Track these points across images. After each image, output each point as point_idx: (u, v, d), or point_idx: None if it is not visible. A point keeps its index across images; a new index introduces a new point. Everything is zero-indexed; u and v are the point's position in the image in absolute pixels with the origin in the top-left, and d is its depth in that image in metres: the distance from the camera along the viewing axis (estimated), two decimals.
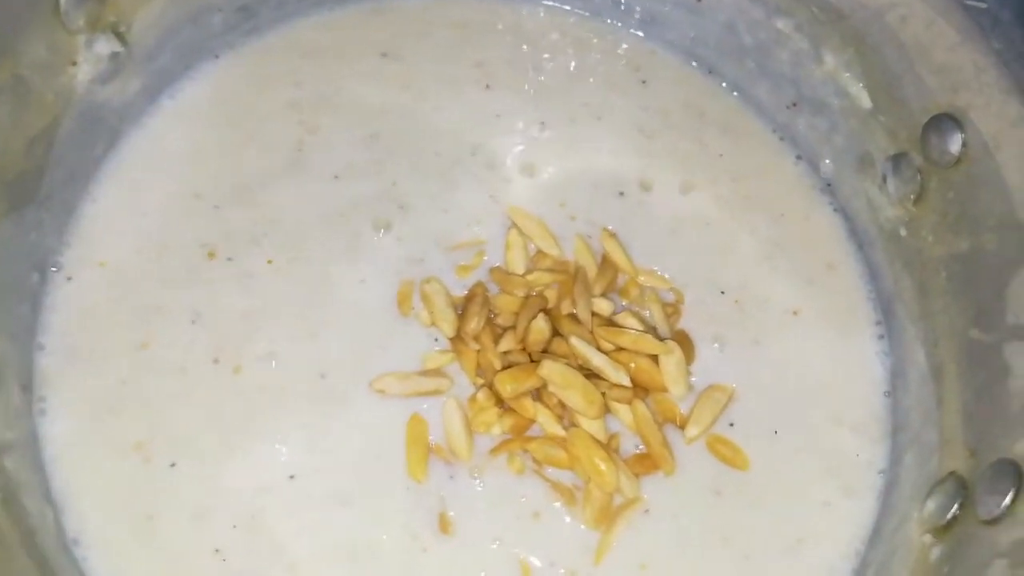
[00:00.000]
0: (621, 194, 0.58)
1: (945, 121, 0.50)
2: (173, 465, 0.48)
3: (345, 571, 0.47)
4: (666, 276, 0.56)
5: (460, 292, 0.54)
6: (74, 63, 0.50)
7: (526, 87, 0.60)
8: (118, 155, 0.55)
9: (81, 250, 0.52)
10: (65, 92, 0.50)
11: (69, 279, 0.51)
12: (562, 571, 0.48)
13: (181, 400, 0.49)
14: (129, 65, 0.53)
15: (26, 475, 0.44)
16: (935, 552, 0.46)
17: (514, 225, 0.55)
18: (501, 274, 0.54)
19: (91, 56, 0.51)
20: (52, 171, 0.50)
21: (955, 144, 0.49)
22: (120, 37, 0.52)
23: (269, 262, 0.53)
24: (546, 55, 0.62)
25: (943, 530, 0.46)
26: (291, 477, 0.48)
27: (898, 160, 0.54)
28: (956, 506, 0.45)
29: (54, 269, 0.51)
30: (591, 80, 0.62)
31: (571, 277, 0.54)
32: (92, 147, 0.53)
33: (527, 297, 0.53)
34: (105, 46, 0.51)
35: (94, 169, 0.54)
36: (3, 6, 0.44)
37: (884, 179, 0.55)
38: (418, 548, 0.47)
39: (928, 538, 0.46)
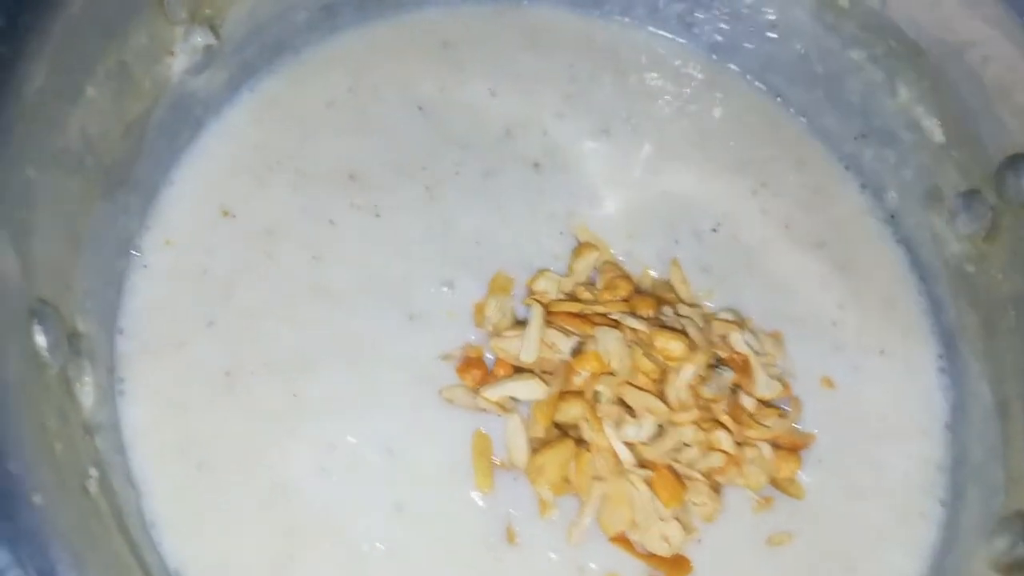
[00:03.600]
0: (683, 219, 0.58)
1: (1023, 161, 0.50)
2: (224, 465, 0.48)
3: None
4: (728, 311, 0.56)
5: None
6: (172, 53, 0.51)
7: (588, 103, 0.61)
8: (198, 144, 0.55)
9: (157, 235, 0.53)
10: (161, 81, 0.51)
11: (145, 266, 0.52)
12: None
13: (231, 400, 0.49)
14: (219, 58, 0.54)
15: (113, 456, 0.45)
16: None
17: (582, 243, 0.56)
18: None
19: (187, 47, 0.51)
20: (143, 157, 0.51)
21: None
22: (215, 30, 0.53)
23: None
24: (615, 70, 0.62)
25: (1011, 568, 0.46)
26: (355, 474, 0.49)
27: (969, 196, 0.55)
28: None
29: (135, 253, 0.52)
30: (662, 104, 0.62)
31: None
32: (178, 135, 0.54)
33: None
34: (201, 38, 0.52)
35: (176, 156, 0.54)
36: None
37: (952, 214, 0.56)
38: (493, 558, 0.48)
39: (994, 575, 0.47)
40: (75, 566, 0.34)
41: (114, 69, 0.46)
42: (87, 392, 0.43)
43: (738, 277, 0.57)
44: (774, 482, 0.52)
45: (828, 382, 0.55)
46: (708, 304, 0.56)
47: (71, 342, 0.43)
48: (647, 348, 0.51)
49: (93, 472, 0.41)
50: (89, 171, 0.46)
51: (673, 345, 0.50)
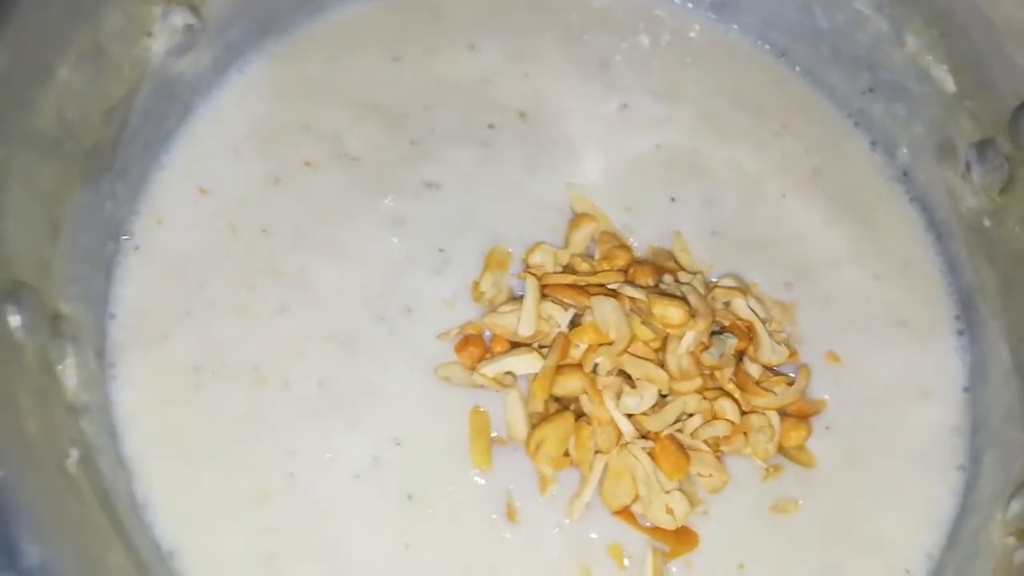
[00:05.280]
0: (686, 181, 0.57)
1: None
2: (226, 449, 0.47)
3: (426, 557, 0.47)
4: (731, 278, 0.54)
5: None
6: (150, 34, 0.50)
7: (592, 66, 0.59)
8: (188, 128, 0.55)
9: (147, 220, 0.52)
10: (141, 63, 0.50)
11: (137, 248, 0.51)
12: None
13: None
14: (203, 39, 0.53)
15: (100, 439, 0.44)
16: (1020, 555, 0.44)
17: (578, 214, 0.54)
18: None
19: (166, 28, 0.51)
20: (127, 142, 0.50)
21: None
22: (194, 10, 0.52)
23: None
24: (616, 35, 0.61)
25: None
26: (357, 471, 0.48)
27: (983, 146, 0.52)
28: None
29: (125, 237, 0.51)
30: (658, 66, 0.60)
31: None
32: (165, 120, 0.53)
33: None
34: (180, 18, 0.51)
35: (165, 140, 0.54)
36: None
37: (967, 167, 0.53)
38: (495, 536, 0.47)
39: (1012, 540, 0.45)
40: (38, 539, 0.33)
41: (88, 50, 0.46)
42: (69, 374, 0.43)
43: (749, 244, 0.55)
44: (783, 451, 0.50)
45: (834, 356, 0.53)
46: (712, 273, 0.54)
47: (53, 324, 0.43)
48: (646, 316, 0.49)
49: (74, 452, 0.41)
50: (68, 155, 0.46)
51: (672, 312, 0.49)
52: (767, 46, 0.61)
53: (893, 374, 0.53)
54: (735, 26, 0.61)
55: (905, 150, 0.58)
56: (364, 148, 0.55)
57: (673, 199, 0.56)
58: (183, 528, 0.46)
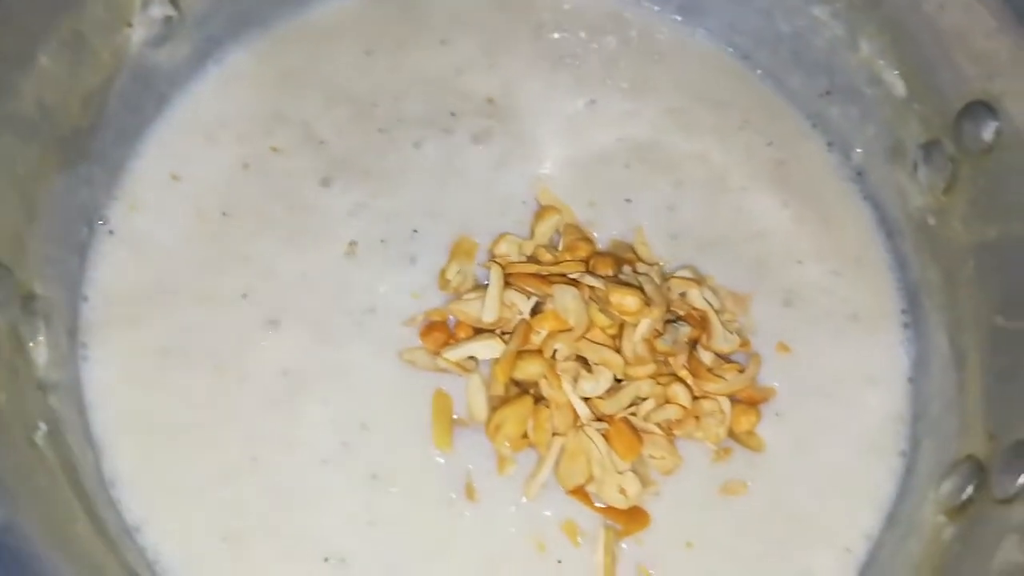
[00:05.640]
0: (651, 175, 0.58)
1: (979, 108, 0.50)
2: (192, 432, 0.49)
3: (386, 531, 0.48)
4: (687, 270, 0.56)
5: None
6: (129, 24, 0.51)
7: (562, 63, 0.61)
8: (164, 117, 0.56)
9: (123, 206, 0.53)
10: (120, 53, 0.51)
11: (111, 233, 0.53)
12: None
13: (198, 372, 0.49)
14: (181, 30, 0.55)
15: (70, 415, 0.46)
16: (948, 532, 0.46)
17: (543, 207, 0.56)
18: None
19: (145, 18, 0.52)
20: (104, 129, 0.52)
21: (988, 131, 0.50)
22: (174, 2, 0.54)
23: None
24: (586, 34, 0.62)
25: (957, 511, 0.46)
26: (324, 456, 0.49)
27: (930, 148, 0.54)
28: (971, 488, 0.46)
29: (101, 223, 0.53)
30: (625, 64, 0.62)
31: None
32: (142, 109, 0.55)
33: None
34: (159, 9, 0.53)
35: (142, 129, 0.55)
36: None
37: (915, 167, 0.55)
38: (454, 514, 0.49)
39: (942, 519, 0.47)
40: (6, 505, 0.35)
41: (69, 38, 0.47)
42: (40, 352, 0.44)
43: (710, 236, 0.57)
44: (733, 435, 0.52)
45: (784, 347, 0.55)
46: (670, 265, 0.56)
47: (26, 303, 0.44)
48: (603, 304, 0.51)
49: (42, 426, 0.42)
50: (46, 140, 0.47)
51: (628, 300, 0.51)
52: (731, 49, 0.63)
53: (842, 365, 0.54)
54: (701, 29, 0.63)
55: (859, 151, 0.60)
56: (332, 135, 0.57)
57: (637, 193, 0.58)
58: (148, 505, 0.47)
